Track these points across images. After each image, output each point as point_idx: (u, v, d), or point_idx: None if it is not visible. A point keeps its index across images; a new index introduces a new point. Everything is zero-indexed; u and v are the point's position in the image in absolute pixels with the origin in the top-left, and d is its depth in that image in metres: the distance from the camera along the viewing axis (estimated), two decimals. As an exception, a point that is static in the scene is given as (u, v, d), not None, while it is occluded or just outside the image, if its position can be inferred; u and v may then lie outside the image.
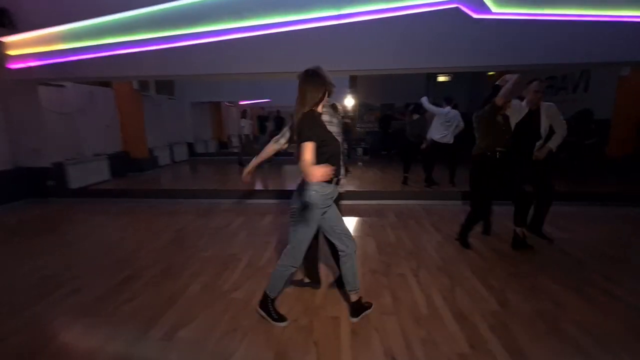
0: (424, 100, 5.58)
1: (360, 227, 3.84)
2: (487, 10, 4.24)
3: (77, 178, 5.87)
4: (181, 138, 10.16)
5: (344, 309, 2.13)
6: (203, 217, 4.26)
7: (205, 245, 3.27)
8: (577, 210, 4.26)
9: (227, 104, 14.25)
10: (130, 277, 2.63)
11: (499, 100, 2.72)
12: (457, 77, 14.11)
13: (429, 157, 5.77)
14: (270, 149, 2.15)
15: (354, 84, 12.20)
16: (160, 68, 4.83)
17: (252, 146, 8.75)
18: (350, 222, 3.97)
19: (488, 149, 2.85)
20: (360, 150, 10.19)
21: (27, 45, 4.70)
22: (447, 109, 5.45)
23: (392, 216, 4.18)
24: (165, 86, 9.40)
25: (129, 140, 7.61)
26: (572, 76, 8.42)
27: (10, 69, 4.70)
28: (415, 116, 5.93)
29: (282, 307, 2.12)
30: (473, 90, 12.92)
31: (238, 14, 4.54)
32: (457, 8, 4.26)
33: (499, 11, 4.23)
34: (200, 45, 4.63)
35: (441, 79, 14.55)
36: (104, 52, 4.72)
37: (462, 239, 3.18)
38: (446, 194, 5.06)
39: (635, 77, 6.30)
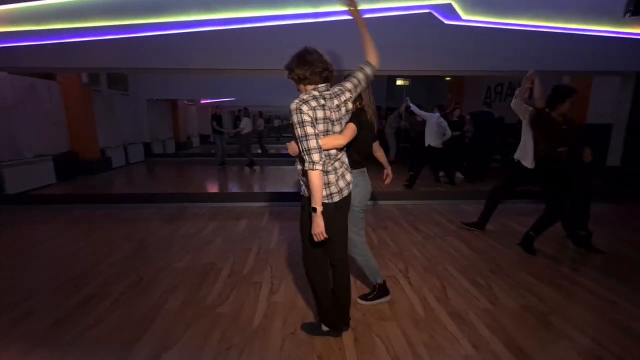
0: (412, 106, 5.68)
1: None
2: (457, 17, 4.41)
3: (15, 182, 5.15)
4: (137, 137, 9.40)
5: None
6: (170, 224, 3.92)
7: (178, 255, 2.99)
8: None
9: (187, 102, 13.52)
10: (93, 295, 2.30)
11: (538, 103, 2.83)
12: (414, 81, 14.76)
13: (424, 160, 5.88)
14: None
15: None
16: (116, 60, 4.40)
17: (249, 146, 8.42)
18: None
19: (549, 151, 2.86)
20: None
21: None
22: (437, 115, 5.59)
23: (369, 218, 4.18)
24: (118, 81, 8.64)
25: (77, 139, 6.85)
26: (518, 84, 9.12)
27: None
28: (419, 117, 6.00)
29: (275, 319, 1.98)
30: (430, 94, 13.52)
31: (207, 5, 4.26)
32: (429, 13, 4.38)
33: (468, 18, 4.42)
34: (163, 37, 4.28)
35: (399, 82, 15.13)
36: (51, 39, 4.18)
37: (528, 244, 3.04)
38: (421, 193, 5.19)
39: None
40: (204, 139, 15.30)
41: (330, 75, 1.62)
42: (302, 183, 1.68)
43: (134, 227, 3.78)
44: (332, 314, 1.80)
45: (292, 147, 1.62)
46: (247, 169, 8.21)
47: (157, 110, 10.95)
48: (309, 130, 1.47)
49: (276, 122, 22.34)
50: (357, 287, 2.37)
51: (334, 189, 1.62)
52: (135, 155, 9.09)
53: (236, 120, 8.48)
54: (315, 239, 1.54)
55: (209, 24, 4.32)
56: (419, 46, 4.47)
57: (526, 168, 3.05)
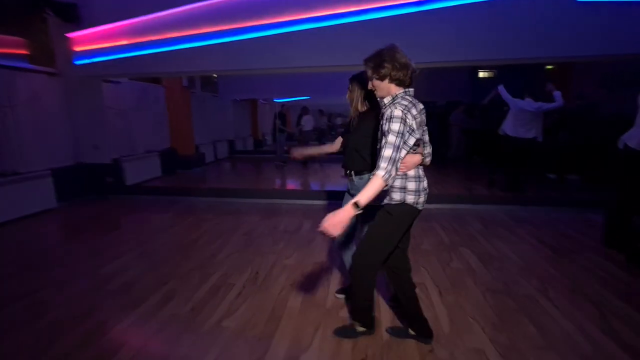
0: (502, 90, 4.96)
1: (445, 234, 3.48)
2: (589, -7, 3.74)
3: (132, 175, 5.86)
4: (223, 135, 10.12)
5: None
6: (268, 219, 4.04)
7: (285, 252, 3.03)
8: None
9: (262, 101, 14.19)
10: (219, 285, 2.42)
11: None
12: (501, 71, 13.28)
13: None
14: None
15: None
16: (221, 63, 4.66)
17: (307, 144, 8.51)
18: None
19: None
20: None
21: (93, 41, 4.67)
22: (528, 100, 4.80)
23: (476, 223, 3.80)
24: (210, 83, 9.37)
25: (177, 137, 7.59)
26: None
27: (76, 65, 4.68)
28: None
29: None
30: (527, 85, 12.09)
31: (304, 4, 4.28)
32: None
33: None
34: (263, 39, 4.42)
35: (482, 74, 13.79)
36: (166, 46, 4.61)
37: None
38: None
39: None
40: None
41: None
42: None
43: (238, 221, 3.98)
44: (370, 314, 1.82)
45: (411, 162, 1.52)
46: (300, 166, 8.14)
47: (239, 110, 11.68)
48: (400, 142, 1.41)
49: (339, 120, 22.30)
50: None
51: (422, 198, 1.58)
52: (222, 152, 9.80)
53: (299, 118, 8.47)
54: (328, 232, 1.37)
55: (307, 21, 4.34)
56: (546, 29, 3.87)
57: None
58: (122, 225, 4.03)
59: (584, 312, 2.05)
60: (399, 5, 4.05)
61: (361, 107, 1.89)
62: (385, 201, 1.60)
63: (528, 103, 4.72)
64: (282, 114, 8.37)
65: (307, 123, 8.12)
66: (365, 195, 1.38)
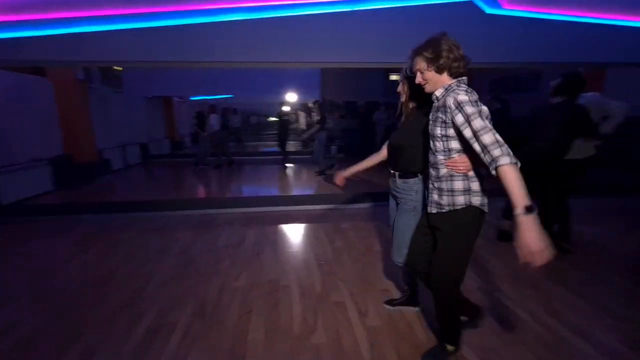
0: None
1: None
2: (498, 6, 4.20)
3: (10, 191, 4.61)
4: (133, 138, 8.81)
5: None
6: (204, 234, 3.55)
7: (232, 272, 2.65)
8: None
9: (178, 99, 12.88)
10: (156, 328, 1.95)
11: None
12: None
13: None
14: None
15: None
16: (133, 53, 3.94)
17: (223, 144, 7.89)
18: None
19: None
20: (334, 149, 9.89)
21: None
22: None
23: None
24: (112, 77, 8.02)
25: (72, 141, 6.27)
26: (523, 76, 9.09)
27: None
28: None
29: (385, 350, 1.70)
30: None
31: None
32: (470, 2, 4.16)
33: (509, 7, 4.23)
34: (181, 28, 3.87)
35: (393, 77, 15.13)
36: (54, 28, 3.69)
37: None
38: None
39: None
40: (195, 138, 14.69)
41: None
42: (436, 192, 1.44)
43: (165, 239, 3.40)
44: (459, 331, 1.65)
45: (461, 163, 1.36)
46: (222, 168, 7.68)
47: (152, 109, 10.34)
48: (487, 122, 1.22)
49: (254, 119, 21.71)
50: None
51: (487, 199, 1.42)
52: (133, 157, 8.52)
53: (205, 118, 7.52)
54: (538, 262, 1.08)
55: (235, 11, 3.95)
56: (459, 37, 4.24)
57: None
58: (2, 261, 3.07)
59: (527, 295, 2.23)
60: (334, 2, 3.96)
61: (410, 104, 1.76)
62: (447, 209, 1.40)
63: None
64: (200, 114, 7.63)
65: (216, 123, 7.53)
66: (519, 193, 1.10)
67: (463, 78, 1.38)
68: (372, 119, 8.98)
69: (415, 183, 1.71)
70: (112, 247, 3.25)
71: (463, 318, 1.73)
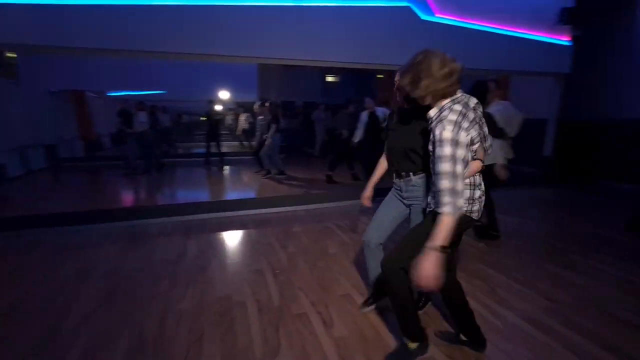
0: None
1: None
2: (432, 13, 4.47)
3: None
4: (36, 139, 7.43)
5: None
6: (135, 249, 3.09)
7: (174, 292, 2.32)
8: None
9: (93, 94, 11.29)
10: (81, 372, 1.58)
11: None
12: (345, 77, 15.31)
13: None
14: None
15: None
16: (33, 34, 3.26)
17: (153, 146, 7.08)
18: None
19: None
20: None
21: None
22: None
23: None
24: (4, 64, 6.64)
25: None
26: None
27: None
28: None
29: (362, 362, 1.62)
30: (360, 89, 14.08)
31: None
32: (409, 7, 4.34)
33: (440, 15, 4.53)
34: (87, 8, 3.33)
35: (330, 79, 15.59)
36: None
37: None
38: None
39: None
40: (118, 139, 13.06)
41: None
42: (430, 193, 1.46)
43: (87, 258, 2.86)
44: (417, 323, 1.58)
45: (470, 171, 1.39)
46: (148, 172, 6.92)
47: (57, 105, 8.85)
48: (460, 169, 1.24)
49: (185, 118, 20.31)
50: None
51: (477, 206, 1.46)
52: (36, 161, 7.18)
53: (127, 115, 6.67)
54: (428, 287, 1.28)
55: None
56: (396, 40, 4.40)
57: None
58: None
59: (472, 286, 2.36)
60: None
61: (406, 105, 1.68)
62: (434, 206, 1.38)
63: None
64: (124, 112, 6.76)
65: (145, 121, 6.75)
66: (440, 237, 1.24)
67: (457, 96, 1.34)
68: (311, 118, 9.01)
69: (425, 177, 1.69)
70: (13, 273, 2.62)
71: (462, 338, 1.72)
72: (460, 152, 1.24)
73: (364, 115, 5.27)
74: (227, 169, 7.66)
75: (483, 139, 1.46)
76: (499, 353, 1.71)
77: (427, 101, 1.34)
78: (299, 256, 2.91)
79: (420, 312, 2.03)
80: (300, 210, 4.31)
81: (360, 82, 14.13)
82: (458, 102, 1.31)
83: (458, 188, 1.23)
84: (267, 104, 6.17)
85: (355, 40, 4.19)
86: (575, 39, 5.43)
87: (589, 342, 1.78)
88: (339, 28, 4.12)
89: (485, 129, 1.47)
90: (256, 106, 6.56)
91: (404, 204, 1.80)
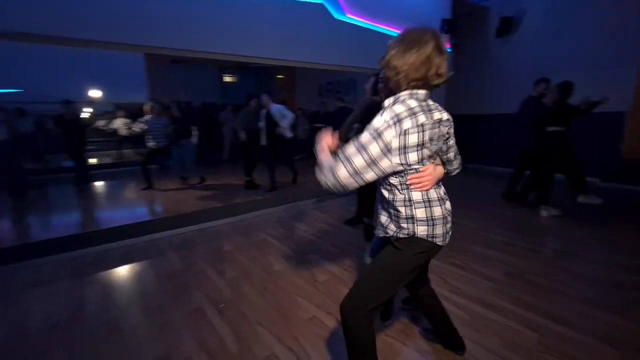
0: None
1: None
2: (342, 12, 4.51)
3: None
4: None
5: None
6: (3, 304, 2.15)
7: (80, 366, 1.66)
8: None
9: None
10: None
11: None
12: (243, 77, 14.74)
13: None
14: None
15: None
16: None
17: (13, 160, 5.19)
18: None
19: None
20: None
21: None
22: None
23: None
24: None
25: None
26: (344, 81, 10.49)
27: None
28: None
29: None
30: (261, 90, 13.81)
31: None
32: (321, 5, 4.26)
33: (350, 15, 4.61)
34: None
35: (228, 79, 14.79)
36: None
37: None
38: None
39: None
40: None
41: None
42: (391, 217, 1.27)
43: None
44: None
45: (431, 177, 1.19)
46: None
47: None
48: (361, 164, 1.10)
49: (50, 124, 16.05)
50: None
51: (441, 228, 1.22)
52: None
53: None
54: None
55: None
56: (309, 37, 4.29)
57: None
58: None
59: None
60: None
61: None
62: (392, 234, 1.25)
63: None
64: None
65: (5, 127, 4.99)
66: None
67: (419, 92, 1.15)
68: (219, 119, 8.27)
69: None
70: None
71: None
72: (375, 150, 1.08)
73: (263, 113, 4.85)
74: (101, 185, 6.27)
75: (443, 153, 1.31)
76: (474, 346, 1.75)
77: (396, 83, 1.16)
78: (242, 281, 2.50)
79: (412, 310, 2.04)
80: (223, 225, 3.81)
81: (260, 82, 13.73)
82: (417, 100, 1.14)
83: (340, 175, 1.09)
84: (153, 105, 5.23)
85: (267, 34, 3.90)
86: (453, 46, 6.34)
87: (536, 316, 1.98)
88: (251, 21, 3.77)
89: (451, 152, 1.33)
90: (148, 107, 5.52)
91: None
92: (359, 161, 1.09)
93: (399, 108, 1.10)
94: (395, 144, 1.08)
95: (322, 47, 4.43)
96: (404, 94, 1.15)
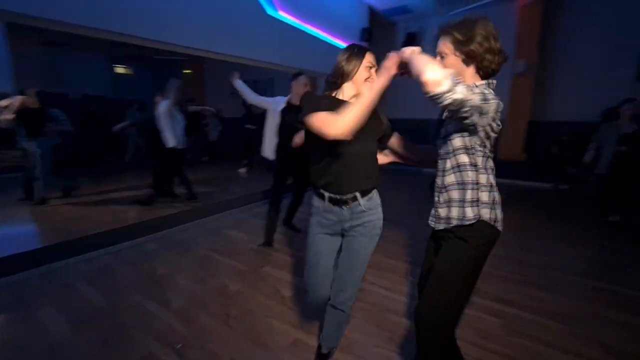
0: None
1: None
2: (275, 8, 4.31)
3: None
4: None
5: None
6: None
7: None
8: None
9: None
10: None
11: None
12: (141, 70, 12.96)
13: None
14: None
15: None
16: None
17: None
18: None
19: None
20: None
21: None
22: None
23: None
24: None
25: None
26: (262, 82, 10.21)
27: None
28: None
29: None
30: (162, 86, 12.35)
31: None
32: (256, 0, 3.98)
33: (282, 13, 4.45)
34: None
35: (120, 70, 12.75)
36: None
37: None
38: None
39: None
40: None
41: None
42: (451, 205, 1.18)
43: None
44: None
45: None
46: None
47: None
48: (478, 101, 1.01)
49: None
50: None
51: (500, 214, 1.19)
52: None
53: None
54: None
55: None
56: (242, 32, 3.96)
57: None
58: None
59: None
60: None
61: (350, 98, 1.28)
62: (455, 223, 1.15)
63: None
64: None
65: None
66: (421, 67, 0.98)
67: (492, 81, 1.14)
68: (126, 118, 6.89)
69: (377, 196, 1.40)
70: None
71: None
72: (486, 107, 1.02)
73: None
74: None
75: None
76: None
77: (463, 69, 1.12)
78: (195, 310, 2.09)
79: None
80: (147, 243, 3.18)
81: (162, 77, 12.11)
82: (492, 89, 1.12)
83: (459, 88, 0.96)
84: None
85: (196, 24, 3.43)
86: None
87: (496, 304, 2.19)
88: (178, 7, 3.25)
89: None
90: (29, 97, 4.10)
91: (340, 234, 1.43)
92: (474, 96, 0.98)
93: (490, 95, 1.05)
94: (492, 111, 1.04)
95: (254, 41, 4.14)
96: (482, 85, 1.11)
